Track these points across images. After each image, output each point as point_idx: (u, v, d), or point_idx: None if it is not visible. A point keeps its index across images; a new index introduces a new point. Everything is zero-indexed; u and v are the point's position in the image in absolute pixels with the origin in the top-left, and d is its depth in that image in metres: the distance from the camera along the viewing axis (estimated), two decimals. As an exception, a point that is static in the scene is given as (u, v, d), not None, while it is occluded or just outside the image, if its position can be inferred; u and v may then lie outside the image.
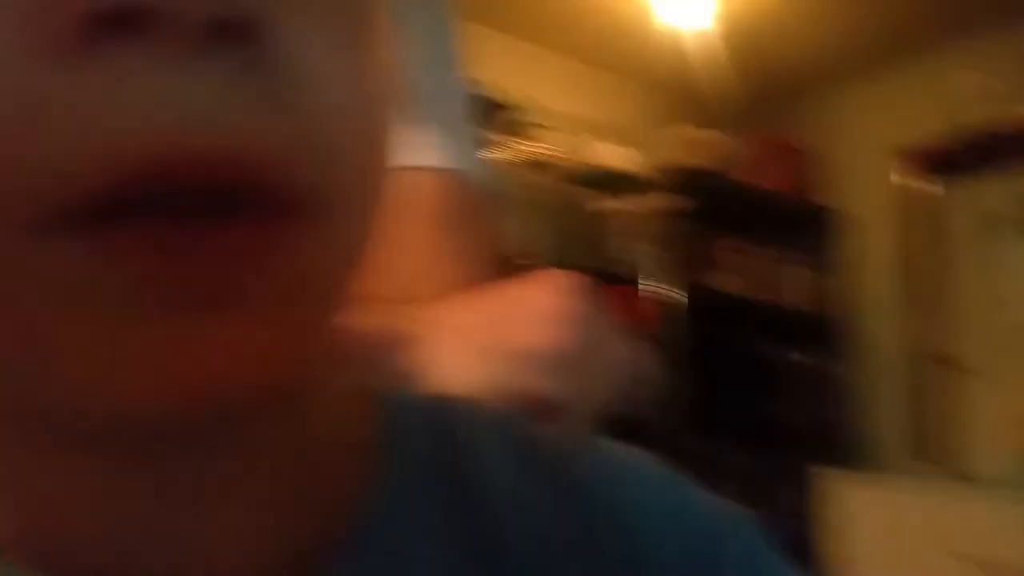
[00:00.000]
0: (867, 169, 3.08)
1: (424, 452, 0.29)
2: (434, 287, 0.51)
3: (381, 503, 0.27)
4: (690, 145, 2.92)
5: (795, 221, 3.07)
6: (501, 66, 2.64)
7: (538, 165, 2.68)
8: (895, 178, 3.00)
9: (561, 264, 0.54)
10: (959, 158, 2.82)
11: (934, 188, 2.93)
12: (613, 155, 2.86)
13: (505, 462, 0.29)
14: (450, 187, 0.58)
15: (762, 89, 3.10)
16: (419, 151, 0.57)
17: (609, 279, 2.36)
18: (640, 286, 2.68)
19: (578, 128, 2.85)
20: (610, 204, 2.82)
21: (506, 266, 0.58)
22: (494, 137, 2.50)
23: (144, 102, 0.17)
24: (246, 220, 0.19)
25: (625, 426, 0.41)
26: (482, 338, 0.42)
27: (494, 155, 2.48)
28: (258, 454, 0.24)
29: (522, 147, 2.62)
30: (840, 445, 2.91)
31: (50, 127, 0.17)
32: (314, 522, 0.26)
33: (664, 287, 2.69)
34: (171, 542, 0.23)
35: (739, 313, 2.84)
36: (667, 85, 3.12)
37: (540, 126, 2.73)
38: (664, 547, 0.29)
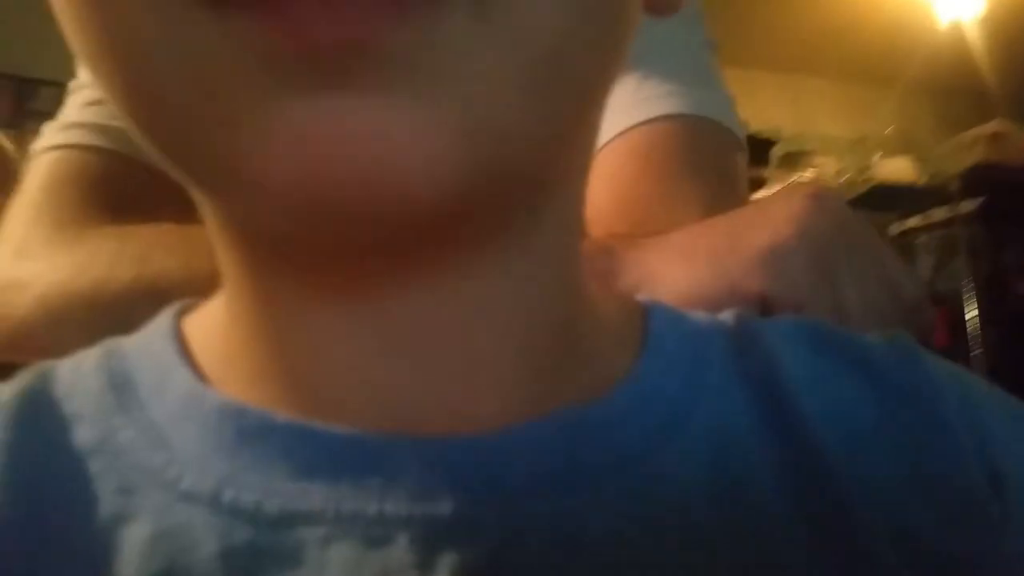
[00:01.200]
0: None
1: (694, 342, 0.28)
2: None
3: (644, 372, 0.26)
4: (984, 144, 2.67)
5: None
6: (767, 102, 2.57)
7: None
8: None
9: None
10: None
11: None
12: (899, 171, 2.68)
13: (790, 345, 0.28)
14: (685, 133, 0.54)
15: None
16: (654, 103, 0.54)
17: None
18: (949, 306, 2.45)
19: (857, 149, 2.70)
20: (905, 223, 2.63)
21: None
22: (769, 174, 2.42)
23: None
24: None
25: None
26: (708, 244, 0.38)
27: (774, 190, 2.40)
28: (498, 282, 0.24)
29: (802, 179, 2.51)
30: None
31: None
32: (565, 374, 0.25)
33: (975, 304, 2.44)
34: (416, 385, 0.24)
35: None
36: (943, 86, 2.90)
37: (816, 155, 2.62)
38: (957, 429, 0.27)
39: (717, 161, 0.55)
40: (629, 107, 0.54)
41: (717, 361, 0.27)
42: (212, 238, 0.25)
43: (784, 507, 0.25)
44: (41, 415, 0.24)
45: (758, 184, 2.49)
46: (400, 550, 0.22)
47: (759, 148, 2.50)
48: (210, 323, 0.27)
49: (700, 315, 0.30)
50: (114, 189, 0.50)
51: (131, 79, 0.20)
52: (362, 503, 0.22)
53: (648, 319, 0.28)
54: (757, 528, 0.24)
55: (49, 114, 0.57)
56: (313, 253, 0.22)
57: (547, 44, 0.19)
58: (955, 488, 0.26)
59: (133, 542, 0.22)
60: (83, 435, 0.24)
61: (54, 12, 0.21)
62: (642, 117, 0.54)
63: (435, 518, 0.22)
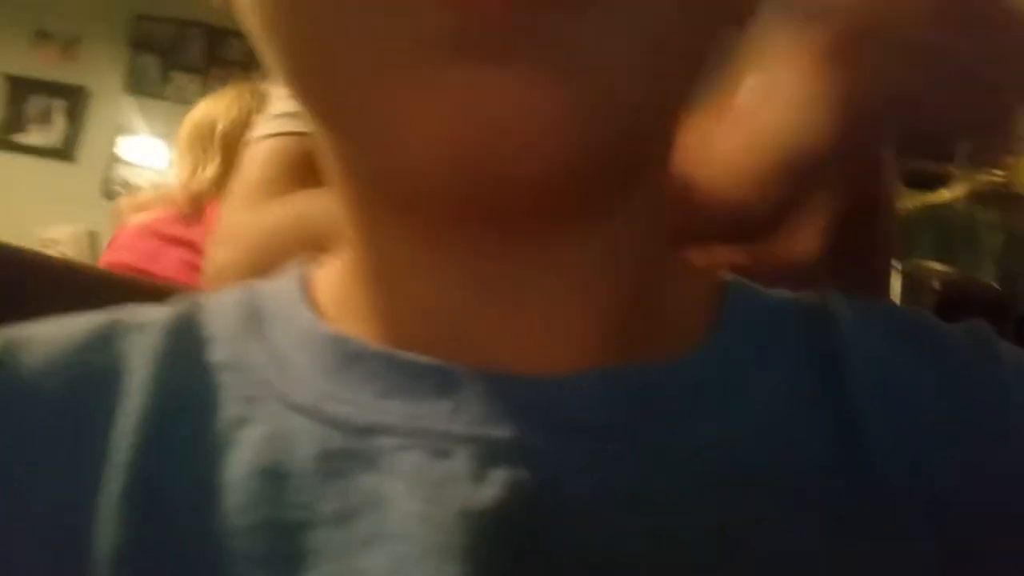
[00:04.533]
0: None
1: (767, 317, 0.30)
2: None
3: (713, 342, 0.29)
4: None
5: None
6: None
7: (1013, 197, 1.99)
8: None
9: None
10: None
11: None
12: None
13: (862, 325, 0.30)
14: None
15: None
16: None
17: None
18: None
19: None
20: None
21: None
22: (955, 171, 2.18)
23: None
24: None
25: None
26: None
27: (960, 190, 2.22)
28: (590, 250, 0.27)
29: (994, 178, 2.05)
30: None
31: None
32: (638, 337, 0.28)
33: None
34: (500, 329, 0.27)
35: None
36: None
37: (1011, 151, 1.92)
38: (1018, 425, 0.28)
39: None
40: None
41: (787, 336, 0.30)
42: (338, 197, 0.30)
43: (829, 475, 0.27)
44: (188, 332, 0.29)
45: (942, 181, 1.76)
46: (459, 462, 0.25)
47: (945, 141, 1.77)
48: (331, 273, 0.32)
49: (779, 292, 0.32)
50: (309, 166, 0.59)
51: (312, 53, 0.24)
52: (432, 422, 0.26)
53: (726, 294, 0.31)
54: (800, 491, 0.26)
55: (236, 62, 0.61)
56: (437, 209, 0.26)
57: (662, 34, 0.23)
58: (1006, 484, 0.27)
59: (249, 440, 0.27)
60: (218, 353, 0.29)
61: None
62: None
63: (492, 439, 0.26)
